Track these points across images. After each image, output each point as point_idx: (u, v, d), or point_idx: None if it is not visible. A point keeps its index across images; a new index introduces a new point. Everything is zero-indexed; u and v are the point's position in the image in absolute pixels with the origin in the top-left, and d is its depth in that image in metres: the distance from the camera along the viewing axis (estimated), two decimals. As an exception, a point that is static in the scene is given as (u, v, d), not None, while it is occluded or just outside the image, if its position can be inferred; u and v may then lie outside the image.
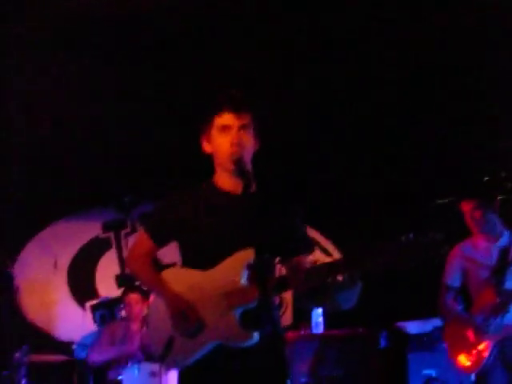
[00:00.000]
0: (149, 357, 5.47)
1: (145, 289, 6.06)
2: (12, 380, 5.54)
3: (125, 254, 7.15)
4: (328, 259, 2.86)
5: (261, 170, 3.02)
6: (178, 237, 3.04)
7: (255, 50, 5.41)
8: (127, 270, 2.97)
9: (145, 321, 6.14)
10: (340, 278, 2.61)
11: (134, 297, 6.30)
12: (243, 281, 2.78)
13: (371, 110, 6.12)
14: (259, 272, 2.57)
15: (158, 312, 2.96)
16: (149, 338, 3.12)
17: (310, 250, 3.07)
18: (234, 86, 3.02)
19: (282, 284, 2.73)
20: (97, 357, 6.11)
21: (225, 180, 2.98)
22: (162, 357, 2.89)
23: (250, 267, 2.76)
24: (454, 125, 6.11)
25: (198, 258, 2.92)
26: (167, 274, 3.01)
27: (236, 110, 2.91)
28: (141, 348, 6.07)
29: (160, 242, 3.09)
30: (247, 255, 2.74)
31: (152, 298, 3.06)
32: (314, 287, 2.71)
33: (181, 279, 2.94)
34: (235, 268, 2.80)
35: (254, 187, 2.93)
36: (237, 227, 2.84)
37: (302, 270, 2.91)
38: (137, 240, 3.21)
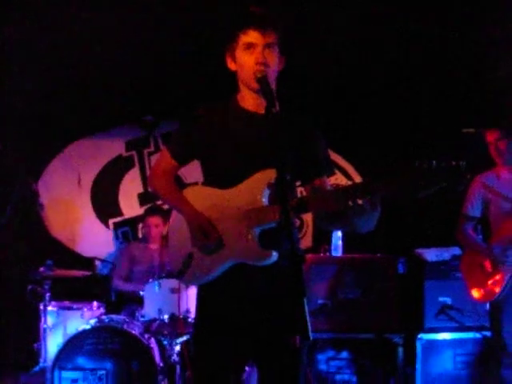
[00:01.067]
0: (168, 273, 5.58)
1: (165, 208, 6.14)
2: (36, 293, 5.68)
3: (148, 172, 7.19)
4: (349, 183, 2.86)
5: (285, 90, 3.00)
6: (199, 155, 3.05)
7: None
8: (149, 189, 2.99)
9: (165, 239, 6.26)
10: (360, 201, 2.62)
11: (153, 220, 6.38)
12: (264, 200, 2.80)
13: (401, 33, 6.06)
14: (280, 192, 2.57)
15: (178, 229, 3.00)
16: (169, 254, 3.17)
17: (331, 173, 3.07)
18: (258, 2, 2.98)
19: (302, 205, 2.74)
20: (121, 286, 6.25)
21: (248, 99, 2.96)
22: (181, 272, 2.94)
23: (271, 187, 2.77)
24: (482, 58, 6.05)
25: (220, 176, 2.94)
26: (188, 192, 3.04)
27: (262, 27, 2.86)
28: (160, 265, 6.20)
29: (181, 160, 3.10)
30: (269, 175, 2.75)
31: (173, 215, 3.10)
32: (334, 210, 2.72)
33: (202, 197, 2.96)
34: (256, 187, 2.81)
35: (277, 107, 2.92)
36: (259, 147, 2.84)
37: (323, 191, 2.94)
38: (159, 158, 3.23)
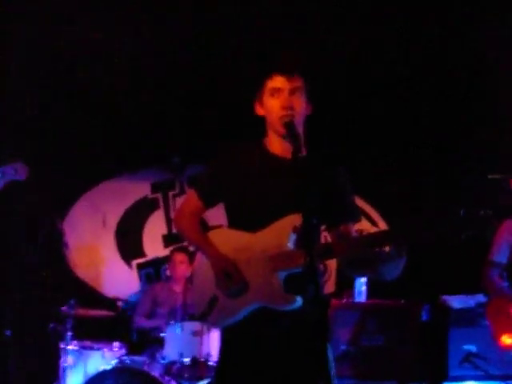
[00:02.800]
0: (191, 315, 5.56)
1: (191, 250, 6.14)
2: (58, 332, 5.69)
3: (172, 214, 7.22)
4: (374, 229, 2.85)
5: (313, 135, 3.02)
6: (226, 198, 3.06)
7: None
8: (175, 229, 3.01)
9: (189, 281, 6.26)
10: (386, 249, 2.61)
11: (179, 256, 6.39)
12: (290, 245, 2.80)
13: (428, 79, 6.11)
14: (306, 237, 2.57)
15: (203, 271, 3.00)
16: (193, 296, 3.18)
17: (357, 219, 3.07)
18: (286, 48, 3.03)
19: (327, 251, 2.74)
20: (142, 323, 6.24)
21: (275, 143, 2.99)
22: (205, 315, 2.94)
23: (296, 232, 2.77)
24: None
25: (246, 220, 2.95)
26: (214, 235, 3.05)
27: (287, 72, 2.91)
28: (183, 307, 6.18)
29: (208, 202, 3.12)
30: (295, 220, 2.75)
31: (198, 257, 3.10)
32: (359, 256, 2.71)
33: (227, 240, 2.97)
34: (282, 232, 2.81)
35: (304, 151, 2.94)
36: (285, 191, 2.85)
37: (348, 238, 2.93)
38: (186, 199, 3.26)
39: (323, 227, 3.04)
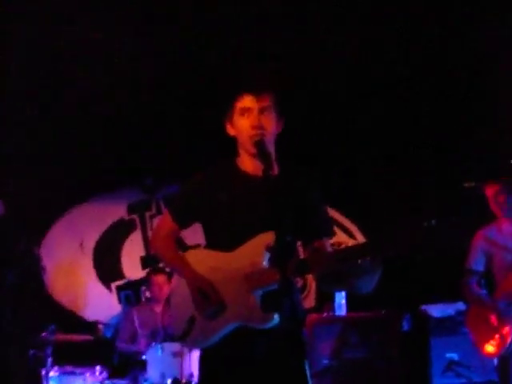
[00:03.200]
0: (170, 337, 5.53)
1: (168, 270, 6.12)
2: (38, 359, 5.62)
3: (150, 235, 7.20)
4: (351, 242, 2.86)
5: (283, 152, 3.03)
6: (200, 218, 3.07)
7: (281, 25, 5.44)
8: (151, 251, 3.00)
9: (167, 302, 6.22)
10: (360, 262, 2.61)
11: (159, 278, 6.35)
12: (264, 263, 2.80)
13: (398, 89, 6.13)
14: (279, 254, 2.57)
15: (179, 292, 2.99)
16: (170, 318, 3.16)
17: (331, 234, 3.08)
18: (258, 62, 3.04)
19: (303, 267, 2.74)
20: (124, 347, 6.19)
21: (247, 162, 3.00)
22: (183, 336, 2.92)
23: (270, 250, 2.77)
24: (481, 110, 6.10)
25: (221, 239, 2.95)
26: (190, 256, 3.04)
27: (256, 92, 2.93)
28: (163, 327, 6.14)
29: (182, 223, 3.12)
30: (268, 238, 2.75)
31: (175, 278, 3.09)
32: (334, 271, 2.71)
33: (203, 260, 2.97)
34: (256, 250, 2.81)
35: (276, 169, 2.94)
36: (258, 210, 2.86)
37: (323, 253, 2.93)
38: (160, 221, 3.25)
39: (299, 243, 3.04)
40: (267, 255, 2.79)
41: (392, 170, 6.74)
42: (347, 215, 7.22)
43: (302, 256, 3.01)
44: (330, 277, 2.79)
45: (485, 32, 5.51)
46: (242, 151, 3.02)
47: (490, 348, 4.62)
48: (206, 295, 2.85)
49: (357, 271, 2.60)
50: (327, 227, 3.08)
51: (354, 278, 2.64)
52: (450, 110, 6.41)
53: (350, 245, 2.84)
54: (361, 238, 6.95)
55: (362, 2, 5.45)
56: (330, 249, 2.99)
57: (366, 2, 5.44)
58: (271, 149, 2.94)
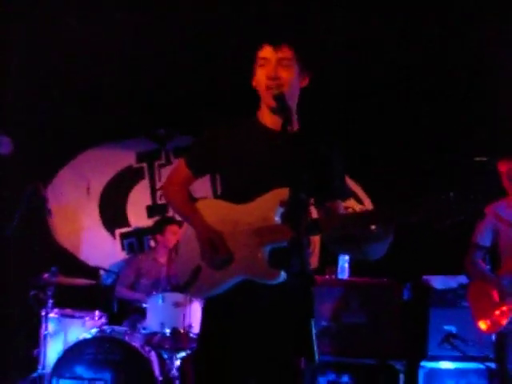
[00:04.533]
0: (174, 286, 5.55)
1: (178, 219, 6.12)
2: (39, 300, 5.66)
3: (157, 184, 7.19)
4: (359, 206, 2.84)
5: (307, 109, 2.99)
6: (215, 168, 3.06)
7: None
8: (164, 198, 2.96)
9: (171, 252, 6.24)
10: (373, 228, 2.60)
11: (173, 228, 6.33)
12: (276, 218, 2.79)
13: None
14: (293, 212, 2.55)
15: (188, 241, 2.98)
16: (177, 266, 3.15)
17: (346, 197, 3.05)
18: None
19: (314, 227, 2.73)
20: (124, 293, 6.22)
21: (266, 116, 2.96)
22: (188, 285, 2.92)
23: (284, 206, 2.74)
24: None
25: (235, 191, 2.93)
26: (201, 205, 3.02)
27: (274, 43, 2.89)
28: (166, 278, 6.17)
29: (197, 171, 3.10)
30: (282, 193, 2.72)
31: (184, 227, 3.08)
32: (345, 234, 2.70)
33: (215, 210, 2.95)
34: (269, 205, 2.80)
35: (296, 125, 2.91)
36: (274, 165, 2.84)
37: (336, 215, 2.91)
38: (175, 168, 3.22)
39: (312, 202, 3.02)
40: (280, 211, 2.77)
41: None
42: (354, 179, 7.17)
43: (313, 215, 3.00)
44: (341, 240, 2.78)
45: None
46: (262, 104, 2.98)
47: (488, 324, 4.63)
48: (213, 246, 2.84)
49: (368, 237, 2.59)
50: (343, 190, 3.05)
51: (365, 243, 2.63)
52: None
53: (361, 209, 2.82)
54: (368, 203, 6.94)
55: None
56: (342, 211, 2.96)
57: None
58: (292, 103, 2.90)
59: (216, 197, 3.10)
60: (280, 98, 2.81)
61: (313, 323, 2.30)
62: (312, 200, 3.00)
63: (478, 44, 5.68)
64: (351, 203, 2.83)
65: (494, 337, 4.76)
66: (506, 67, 5.66)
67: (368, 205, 6.90)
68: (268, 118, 2.96)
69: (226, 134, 2.99)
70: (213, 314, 2.91)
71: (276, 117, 2.88)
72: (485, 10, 5.38)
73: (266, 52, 2.89)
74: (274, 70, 2.86)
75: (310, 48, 2.96)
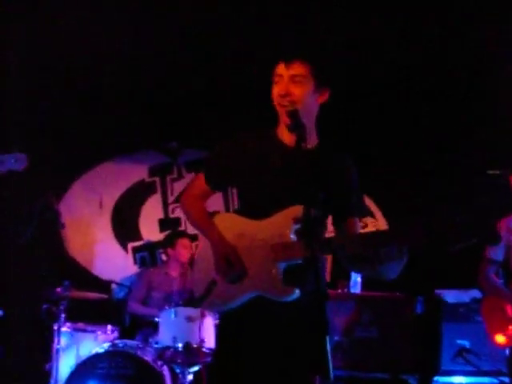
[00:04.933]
0: (187, 301, 5.55)
1: (192, 233, 6.13)
2: (51, 313, 5.66)
3: (169, 199, 7.22)
4: (370, 220, 2.84)
5: (325, 126, 3.00)
6: (233, 183, 3.07)
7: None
8: (181, 209, 2.98)
9: (183, 267, 6.26)
10: (387, 249, 2.59)
11: (184, 241, 6.37)
12: (292, 235, 2.79)
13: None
14: (307, 229, 2.56)
15: (204, 254, 2.99)
16: (193, 279, 3.16)
17: (362, 215, 3.05)
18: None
19: (327, 246, 2.73)
20: (136, 308, 6.22)
21: (283, 132, 2.97)
22: (202, 298, 2.93)
23: (299, 223, 2.75)
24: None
25: (252, 206, 2.94)
26: (219, 219, 3.04)
27: (287, 60, 2.88)
28: (178, 292, 6.17)
29: (215, 186, 3.12)
30: (297, 210, 2.73)
31: (201, 240, 3.09)
32: (359, 254, 2.70)
33: (231, 225, 2.96)
34: (285, 222, 2.80)
35: (315, 141, 2.92)
36: (289, 181, 2.84)
37: (350, 235, 2.91)
38: (193, 181, 3.24)
39: (329, 220, 3.02)
40: (295, 228, 2.78)
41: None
42: (372, 197, 7.15)
43: (331, 232, 3.00)
44: (354, 259, 2.77)
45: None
46: (280, 120, 2.97)
47: (502, 338, 4.61)
48: (228, 261, 2.85)
49: (382, 257, 2.59)
50: (359, 207, 3.04)
51: (379, 263, 2.62)
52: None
53: (376, 230, 2.82)
54: (382, 221, 6.92)
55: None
56: (359, 229, 2.96)
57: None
58: (307, 120, 2.88)
59: (233, 211, 3.08)
60: (293, 115, 2.81)
61: (328, 340, 2.29)
62: (330, 218, 3.00)
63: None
64: (368, 221, 2.83)
65: (507, 351, 4.73)
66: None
67: (380, 218, 6.91)
68: (285, 135, 2.96)
69: (244, 149, 2.99)
70: (228, 330, 2.92)
71: (292, 133, 2.88)
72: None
73: (280, 69, 2.90)
74: (285, 87, 2.86)
75: (326, 63, 2.95)
